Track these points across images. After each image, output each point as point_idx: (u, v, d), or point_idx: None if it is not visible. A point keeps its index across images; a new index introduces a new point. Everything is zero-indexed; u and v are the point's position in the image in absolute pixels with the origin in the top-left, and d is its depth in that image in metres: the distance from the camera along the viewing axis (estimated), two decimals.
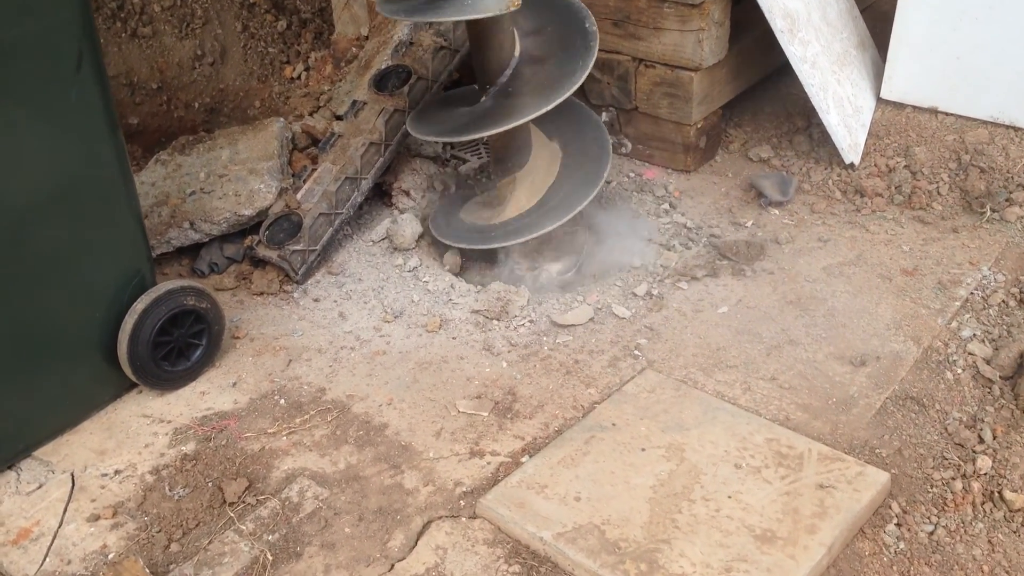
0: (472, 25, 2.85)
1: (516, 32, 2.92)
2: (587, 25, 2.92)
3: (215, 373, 2.79)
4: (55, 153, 2.35)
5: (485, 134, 2.85)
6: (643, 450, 2.45)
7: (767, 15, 3.24)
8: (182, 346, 2.71)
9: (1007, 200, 3.22)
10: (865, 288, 2.95)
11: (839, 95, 3.46)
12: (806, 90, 3.35)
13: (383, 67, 3.49)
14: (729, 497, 2.29)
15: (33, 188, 2.33)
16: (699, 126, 3.49)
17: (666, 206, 3.36)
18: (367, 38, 4.25)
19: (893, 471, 2.37)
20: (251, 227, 3.22)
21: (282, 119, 3.44)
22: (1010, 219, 3.18)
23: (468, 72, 3.39)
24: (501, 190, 3.12)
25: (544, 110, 2.76)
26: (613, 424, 2.53)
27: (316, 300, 3.06)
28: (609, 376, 2.71)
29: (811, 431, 2.48)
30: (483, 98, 2.93)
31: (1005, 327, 2.82)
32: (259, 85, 4.65)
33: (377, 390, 2.70)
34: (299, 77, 4.61)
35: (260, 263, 3.14)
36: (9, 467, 2.51)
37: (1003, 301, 2.90)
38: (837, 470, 2.35)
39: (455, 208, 3.27)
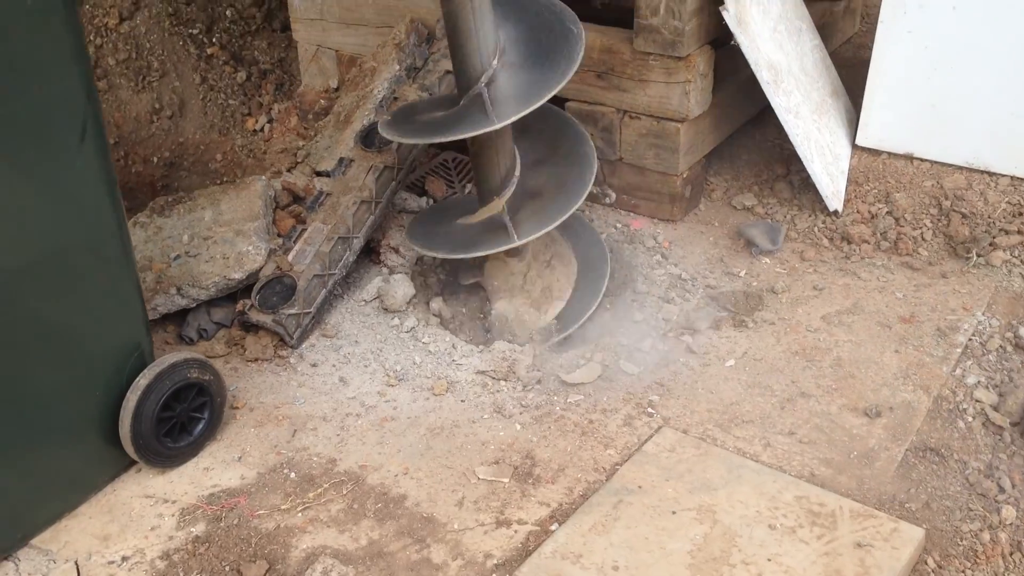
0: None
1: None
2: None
3: (217, 447, 2.67)
4: (56, 222, 2.23)
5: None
6: (674, 513, 2.41)
7: (753, 68, 3.27)
8: (184, 420, 2.59)
9: (991, 244, 3.29)
10: (867, 337, 2.97)
11: (820, 143, 3.50)
12: (791, 139, 3.38)
13: (367, 122, 3.43)
14: (769, 560, 2.26)
15: (33, 259, 2.20)
16: (684, 176, 3.50)
17: (658, 257, 3.35)
18: (336, 90, 4.18)
19: (924, 525, 2.37)
20: (239, 290, 3.11)
21: (264, 177, 3.35)
22: (995, 263, 3.25)
23: None
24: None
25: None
26: (639, 487, 2.49)
27: (314, 365, 2.96)
28: (626, 435, 2.67)
29: (838, 487, 2.47)
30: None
31: (1006, 372, 2.86)
32: (220, 138, 4.54)
33: (390, 459, 2.62)
34: (262, 129, 4.52)
35: (252, 328, 3.03)
36: (6, 558, 2.35)
37: (1000, 346, 2.95)
38: (872, 527, 2.34)
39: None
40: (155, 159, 4.49)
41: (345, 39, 4.03)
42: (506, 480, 2.53)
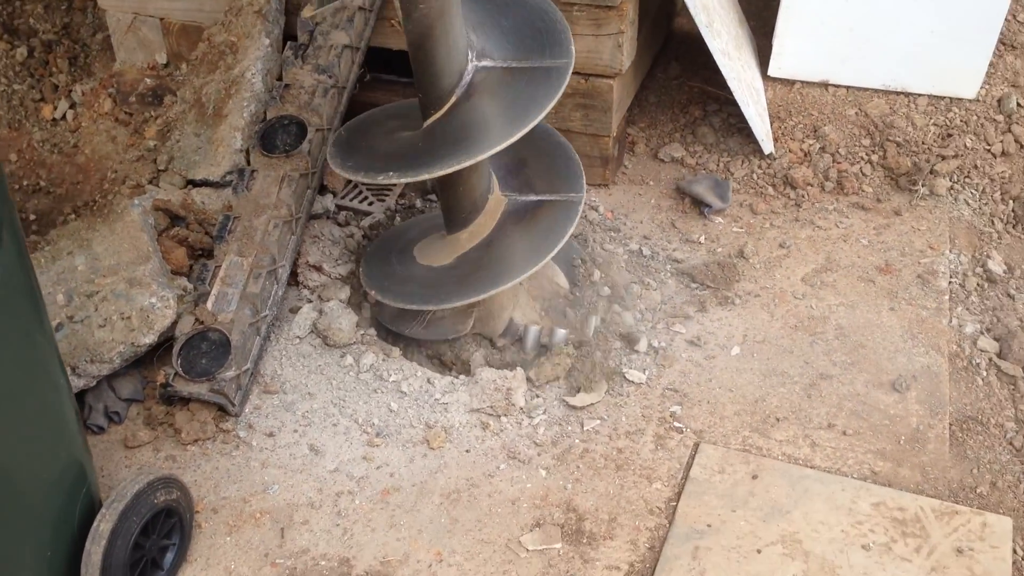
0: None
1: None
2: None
3: (193, 570, 2.14)
4: None
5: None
6: (759, 552, 2.16)
7: (692, 11, 2.94)
8: (154, 555, 2.04)
9: (931, 173, 3.19)
10: (856, 297, 2.81)
11: (746, 82, 3.26)
12: (728, 84, 3.10)
13: (249, 116, 2.83)
14: None
15: None
16: (615, 135, 3.16)
17: (611, 232, 3.02)
18: (167, 66, 3.47)
19: (1002, 510, 2.26)
20: (145, 354, 2.51)
21: (137, 201, 2.69)
22: (940, 192, 3.16)
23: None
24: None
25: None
26: (708, 525, 2.22)
27: (271, 435, 2.44)
28: (665, 461, 2.37)
29: (905, 482, 2.31)
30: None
31: (992, 313, 2.80)
32: (13, 133, 3.70)
33: (414, 544, 2.19)
34: (63, 118, 3.72)
35: (177, 400, 2.45)
36: None
37: (978, 285, 2.88)
38: (961, 526, 2.20)
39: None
40: None
41: (172, 4, 3.32)
42: (558, 546, 2.18)
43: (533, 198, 2.63)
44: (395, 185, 3.17)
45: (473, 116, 2.28)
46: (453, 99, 2.30)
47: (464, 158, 2.20)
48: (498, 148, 2.21)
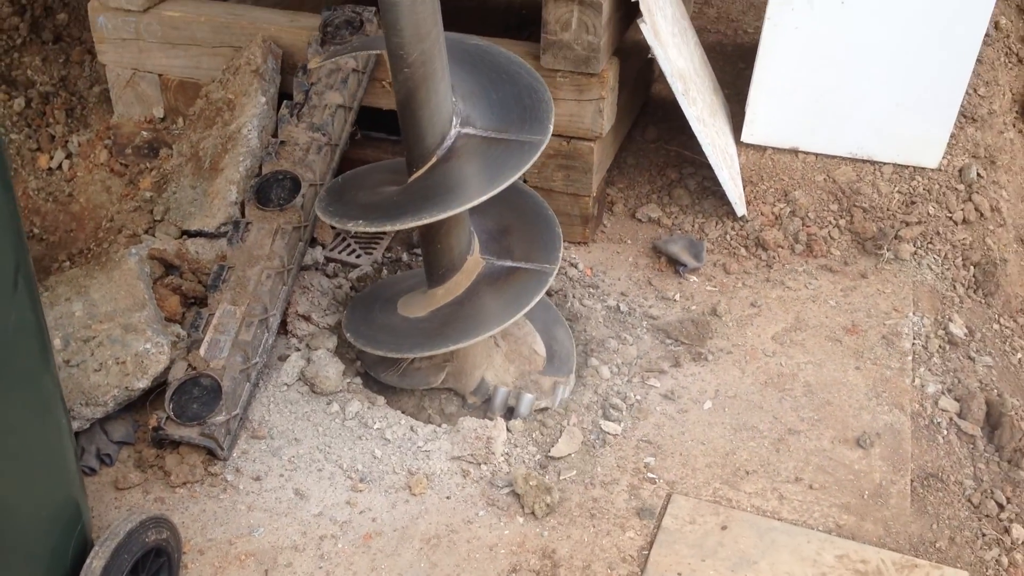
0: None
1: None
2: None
3: None
4: None
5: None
6: None
7: (668, 79, 3.09)
8: None
9: (896, 238, 3.34)
10: (824, 356, 2.93)
11: (720, 147, 3.40)
12: (703, 150, 3.25)
13: (244, 170, 2.94)
14: None
15: None
16: (594, 195, 3.29)
17: (589, 288, 3.14)
18: (163, 120, 3.59)
19: (959, 564, 2.36)
20: (137, 398, 2.59)
21: (134, 250, 2.79)
22: (905, 257, 3.30)
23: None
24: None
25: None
26: (678, 574, 2.31)
27: (257, 479, 2.52)
28: (638, 510, 2.46)
29: (868, 536, 2.41)
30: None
31: (953, 374, 2.92)
32: None
33: None
34: (59, 167, 3.82)
35: (167, 444, 2.53)
36: None
37: (940, 347, 3.01)
38: None
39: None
40: None
41: (171, 61, 3.44)
42: None
43: (509, 264, 2.75)
44: (383, 237, 3.29)
45: (448, 177, 2.40)
46: (434, 159, 2.42)
47: (426, 216, 2.31)
48: (460, 209, 2.33)
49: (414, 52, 2.19)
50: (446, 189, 2.35)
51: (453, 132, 2.43)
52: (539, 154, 2.42)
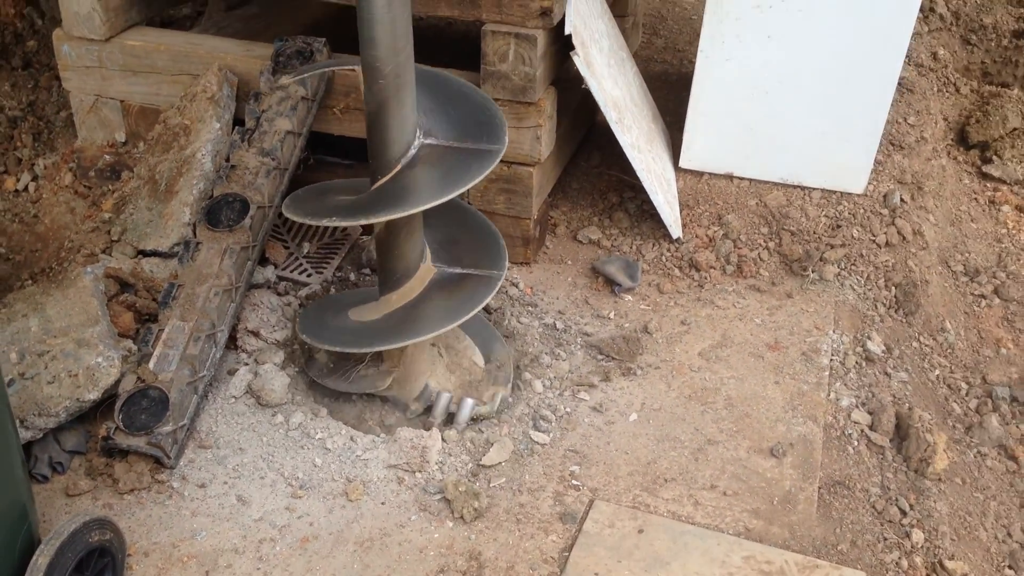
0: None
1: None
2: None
3: None
4: None
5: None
6: None
7: (602, 108, 3.27)
8: None
9: (821, 260, 3.51)
10: (746, 371, 3.09)
11: (656, 172, 3.58)
12: (638, 175, 3.42)
13: (198, 193, 3.09)
14: None
15: None
16: (535, 218, 3.46)
17: (528, 307, 3.30)
18: (125, 144, 3.74)
19: (859, 565, 2.53)
20: (89, 409, 2.73)
21: (90, 269, 2.93)
22: (828, 277, 3.48)
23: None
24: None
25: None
26: (595, 574, 2.46)
27: (202, 486, 2.66)
28: (561, 515, 2.62)
29: (774, 538, 2.57)
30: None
31: (868, 388, 3.09)
32: None
33: None
34: (25, 189, 3.96)
35: (117, 453, 2.67)
36: None
37: (856, 363, 3.18)
38: None
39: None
40: None
41: (132, 88, 3.60)
42: None
43: (459, 271, 2.92)
44: (335, 256, 3.44)
45: (415, 180, 2.59)
46: (399, 167, 2.60)
47: (398, 211, 2.50)
48: (429, 205, 2.52)
49: (389, 65, 2.39)
50: (413, 190, 2.55)
51: (417, 142, 2.62)
52: (498, 161, 2.63)
